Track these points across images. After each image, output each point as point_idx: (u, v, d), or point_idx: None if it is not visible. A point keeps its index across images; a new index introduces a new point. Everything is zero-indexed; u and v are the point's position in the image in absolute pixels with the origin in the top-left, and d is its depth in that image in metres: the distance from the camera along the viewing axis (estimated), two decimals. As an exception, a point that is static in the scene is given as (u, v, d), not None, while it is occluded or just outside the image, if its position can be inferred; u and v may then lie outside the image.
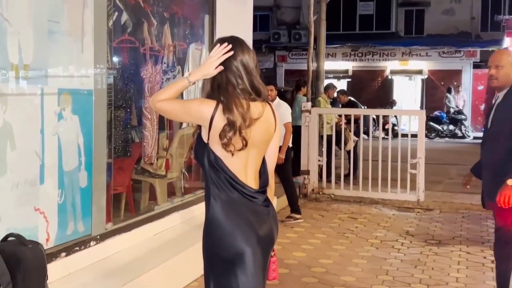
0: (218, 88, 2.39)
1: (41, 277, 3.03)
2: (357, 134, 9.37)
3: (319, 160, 8.69)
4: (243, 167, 2.41)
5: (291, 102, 10.43)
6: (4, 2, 3.30)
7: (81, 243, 3.97)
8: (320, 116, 8.90)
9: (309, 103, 9.06)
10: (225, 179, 2.38)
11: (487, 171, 3.87)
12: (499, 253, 3.89)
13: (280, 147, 6.37)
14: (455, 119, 20.27)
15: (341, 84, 21.06)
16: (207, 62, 2.41)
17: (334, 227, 6.82)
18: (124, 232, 4.49)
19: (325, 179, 8.70)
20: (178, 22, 5.65)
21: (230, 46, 2.40)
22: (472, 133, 20.43)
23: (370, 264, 5.34)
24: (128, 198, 4.99)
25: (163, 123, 5.39)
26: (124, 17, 4.72)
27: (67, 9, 3.83)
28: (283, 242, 5.91)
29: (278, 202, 6.99)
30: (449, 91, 21.23)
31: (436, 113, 20.31)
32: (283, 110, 6.92)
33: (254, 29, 7.38)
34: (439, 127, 20.00)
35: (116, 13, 4.48)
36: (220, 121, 2.33)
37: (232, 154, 2.35)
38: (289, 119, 7.07)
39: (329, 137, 8.88)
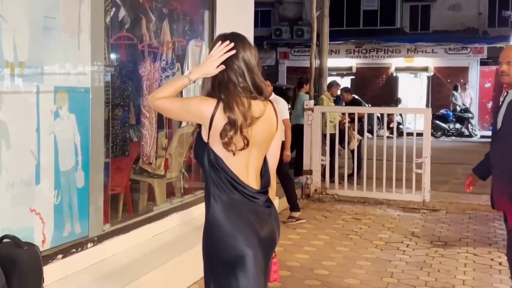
0: (219, 86, 2.39)
1: (37, 280, 3.03)
2: (361, 133, 9.36)
3: (322, 160, 8.69)
4: (244, 167, 2.41)
5: (293, 100, 10.45)
6: (-2, -2, 3.30)
7: (78, 245, 3.97)
8: (323, 114, 8.90)
9: (312, 101, 9.07)
10: (226, 179, 2.38)
11: (498, 172, 3.85)
12: None
13: (283, 144, 6.39)
14: (462, 118, 20.25)
15: (345, 82, 21.10)
16: (208, 61, 2.41)
17: (338, 228, 6.82)
18: (122, 233, 4.49)
19: (328, 179, 8.71)
20: (177, 18, 5.64)
21: (232, 44, 2.40)
22: (479, 131, 20.42)
23: (374, 266, 5.34)
24: (126, 198, 4.99)
25: (162, 122, 5.38)
26: (122, 12, 4.71)
27: (63, 4, 3.83)
28: (285, 244, 5.91)
29: (280, 202, 6.99)
30: (455, 88, 21.22)
31: (442, 111, 20.30)
32: (281, 106, 6.97)
33: (255, 25, 7.38)
34: (445, 126, 19.98)
35: (114, 9, 4.48)
36: (220, 120, 2.32)
37: (234, 154, 2.35)
38: (287, 116, 7.21)
39: (332, 136, 8.87)
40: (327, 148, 8.85)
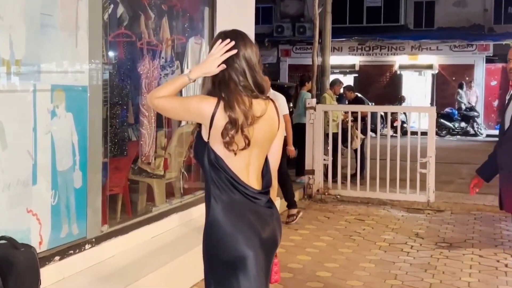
0: (219, 85, 2.39)
1: (33, 282, 3.03)
2: (364, 132, 9.36)
3: (324, 159, 8.69)
4: (245, 166, 2.41)
5: (295, 98, 10.45)
6: (-6, -5, 3.30)
7: (76, 246, 3.98)
8: (326, 113, 8.89)
9: (314, 100, 9.07)
10: (226, 179, 2.38)
11: (506, 173, 3.83)
12: None
13: (286, 140, 6.42)
14: (467, 116, 20.25)
15: (348, 80, 21.06)
16: (208, 60, 2.41)
17: (340, 229, 6.82)
18: (121, 234, 4.50)
19: (330, 179, 8.71)
20: (176, 15, 5.65)
21: (233, 43, 2.40)
22: (485, 130, 20.42)
23: (378, 268, 5.34)
24: (124, 199, 5.00)
25: (161, 121, 5.39)
26: (120, 9, 4.72)
27: (60, 1, 3.83)
28: (286, 245, 5.92)
29: (281, 203, 7.00)
30: (460, 86, 21.21)
31: (447, 109, 20.30)
32: (281, 102, 7.00)
33: (256, 22, 7.38)
34: (450, 125, 19.98)
35: (112, 6, 4.49)
36: (221, 119, 2.33)
37: (235, 154, 2.35)
38: (287, 111, 7.29)
39: (335, 135, 8.88)
40: (330, 147, 8.85)
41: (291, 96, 11.14)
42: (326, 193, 8.57)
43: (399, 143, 8.20)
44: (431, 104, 22.13)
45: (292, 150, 7.12)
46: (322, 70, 12.10)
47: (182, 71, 5.50)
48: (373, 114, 9.14)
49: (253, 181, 2.44)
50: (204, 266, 2.49)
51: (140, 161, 5.17)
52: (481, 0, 23.11)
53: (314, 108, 8.63)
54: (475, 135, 19.95)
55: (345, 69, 23.87)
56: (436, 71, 23.53)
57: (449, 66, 23.22)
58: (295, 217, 7.03)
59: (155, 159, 5.34)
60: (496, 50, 21.74)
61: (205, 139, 2.40)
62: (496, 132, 4.17)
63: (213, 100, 2.36)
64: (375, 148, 8.29)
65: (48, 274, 3.51)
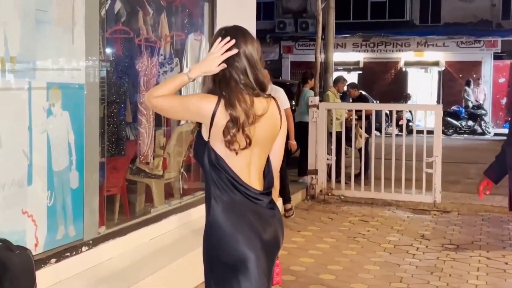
0: (220, 83, 2.39)
1: (29, 285, 3.04)
2: (368, 130, 9.36)
3: (327, 159, 8.69)
4: (246, 166, 2.41)
5: (297, 96, 10.45)
6: (-12, -10, 3.30)
7: (72, 249, 3.98)
8: (329, 111, 8.90)
9: (317, 98, 9.07)
10: (227, 180, 2.38)
11: None
12: None
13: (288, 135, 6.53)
14: (475, 114, 20.24)
15: (352, 77, 21.10)
16: (208, 59, 2.41)
17: (344, 230, 6.82)
18: (118, 236, 4.50)
19: (334, 179, 8.71)
20: (175, 11, 5.65)
21: (233, 41, 2.40)
22: (493, 129, 20.41)
23: (382, 271, 5.34)
24: (122, 200, 5.00)
25: (160, 120, 5.39)
26: (118, 5, 4.72)
27: (56, -3, 3.83)
28: (289, 247, 5.92)
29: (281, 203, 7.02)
30: (468, 84, 21.20)
31: (454, 108, 20.29)
32: (281, 96, 7.05)
33: (258, 18, 7.39)
34: (457, 123, 19.98)
35: (109, 1, 4.49)
36: (222, 117, 2.33)
37: (236, 153, 2.35)
38: (288, 105, 7.36)
39: (339, 134, 8.88)
40: (333, 146, 8.85)
41: (293, 94, 11.14)
42: (330, 194, 8.57)
43: (404, 142, 8.19)
44: (438, 102, 22.15)
45: (294, 144, 7.19)
46: (325, 67, 12.12)
47: (181, 68, 5.50)
48: (378, 113, 9.15)
49: (255, 181, 2.44)
50: (204, 267, 2.49)
51: (138, 160, 5.17)
52: (489, -5, 23.11)
53: (317, 106, 8.63)
54: (483, 133, 19.93)
55: (349, 66, 23.88)
56: (443, 68, 23.51)
57: (456, 63, 23.20)
58: (292, 211, 7.22)
59: (153, 159, 5.34)
60: (504, 46, 21.74)
61: (206, 138, 2.39)
62: (505, 130, 4.16)
63: (213, 99, 2.35)
64: (379, 147, 8.29)
65: (44, 277, 3.52)
